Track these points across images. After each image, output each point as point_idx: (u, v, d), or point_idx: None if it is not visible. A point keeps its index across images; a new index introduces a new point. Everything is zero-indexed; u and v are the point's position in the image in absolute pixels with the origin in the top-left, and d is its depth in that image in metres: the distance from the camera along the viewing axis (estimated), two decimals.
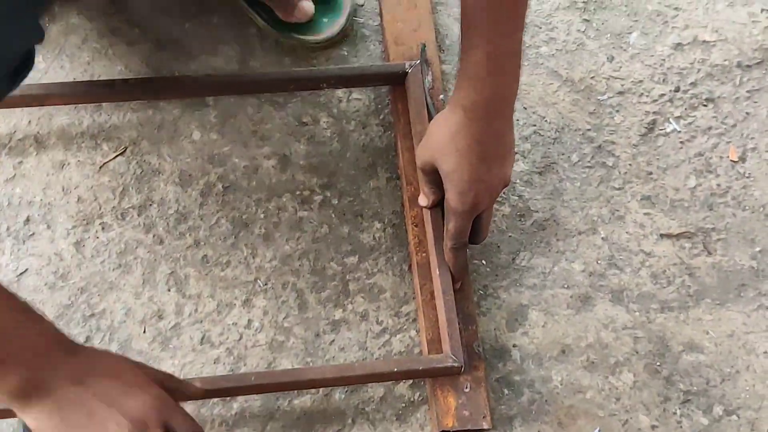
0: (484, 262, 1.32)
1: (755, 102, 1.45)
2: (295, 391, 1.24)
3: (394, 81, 1.38)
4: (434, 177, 1.21)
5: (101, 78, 1.40)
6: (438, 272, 1.24)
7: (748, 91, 1.46)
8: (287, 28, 1.43)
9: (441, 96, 1.36)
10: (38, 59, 1.39)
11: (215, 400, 1.22)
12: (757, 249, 1.36)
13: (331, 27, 1.43)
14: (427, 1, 1.45)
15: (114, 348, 1.24)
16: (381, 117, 1.41)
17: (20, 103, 1.33)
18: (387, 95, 1.42)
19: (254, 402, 1.23)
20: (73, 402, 0.93)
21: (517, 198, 1.36)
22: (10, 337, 0.91)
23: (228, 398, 1.22)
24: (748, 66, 1.47)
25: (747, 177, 1.40)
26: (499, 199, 1.32)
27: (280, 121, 1.40)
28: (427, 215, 1.28)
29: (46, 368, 0.93)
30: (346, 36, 1.46)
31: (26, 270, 1.28)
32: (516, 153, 1.35)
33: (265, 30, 1.44)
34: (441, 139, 1.16)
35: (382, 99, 1.42)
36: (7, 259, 1.28)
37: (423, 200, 1.26)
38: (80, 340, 1.24)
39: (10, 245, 1.29)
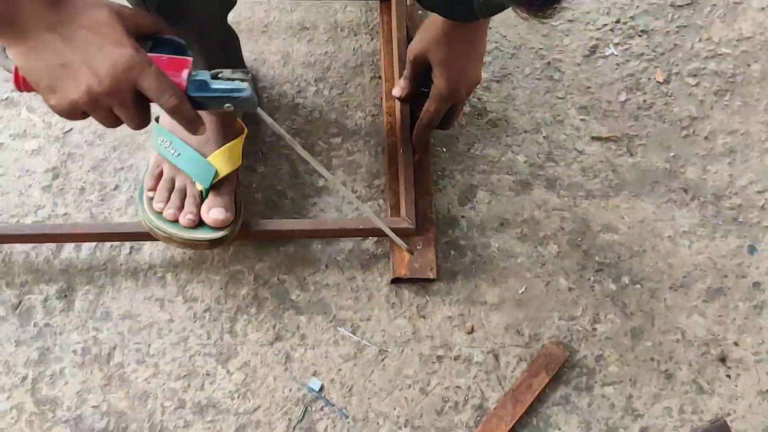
0: (444, 149, 1.37)
1: (682, 36, 1.48)
2: (280, 240, 1.29)
3: None
4: (418, 70, 1.25)
5: None
6: (402, 152, 1.29)
7: (677, 27, 1.48)
8: None
9: (420, 12, 1.41)
10: None
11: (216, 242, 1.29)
12: (671, 154, 1.39)
13: None
14: None
15: (137, 195, 1.29)
16: (370, 27, 1.45)
17: None
18: (375, 9, 1.45)
19: (247, 246, 1.29)
20: (47, 49, 0.84)
21: (476, 100, 1.40)
22: None
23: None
24: (680, 6, 1.49)
25: (669, 96, 1.43)
26: None
27: (285, 24, 1.43)
28: (398, 107, 1.33)
29: (21, 10, 0.82)
30: None
31: (71, 129, 1.34)
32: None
33: None
34: (434, 36, 1.20)
35: (371, 13, 1.46)
36: (56, 119, 1.34)
37: (397, 91, 1.29)
38: (111, 188, 1.32)
39: None
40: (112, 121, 0.91)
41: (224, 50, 1.23)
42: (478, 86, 1.30)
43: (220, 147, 1.20)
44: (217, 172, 1.19)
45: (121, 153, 1.33)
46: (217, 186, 1.20)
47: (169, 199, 1.20)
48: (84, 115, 0.90)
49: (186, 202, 1.20)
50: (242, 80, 0.94)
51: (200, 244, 1.19)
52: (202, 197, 1.20)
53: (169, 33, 0.93)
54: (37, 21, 0.83)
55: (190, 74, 0.91)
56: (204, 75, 0.93)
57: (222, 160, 1.20)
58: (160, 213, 1.20)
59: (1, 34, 0.84)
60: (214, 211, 1.19)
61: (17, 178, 1.30)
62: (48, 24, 0.84)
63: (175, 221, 1.19)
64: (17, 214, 1.29)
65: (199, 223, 1.19)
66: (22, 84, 0.89)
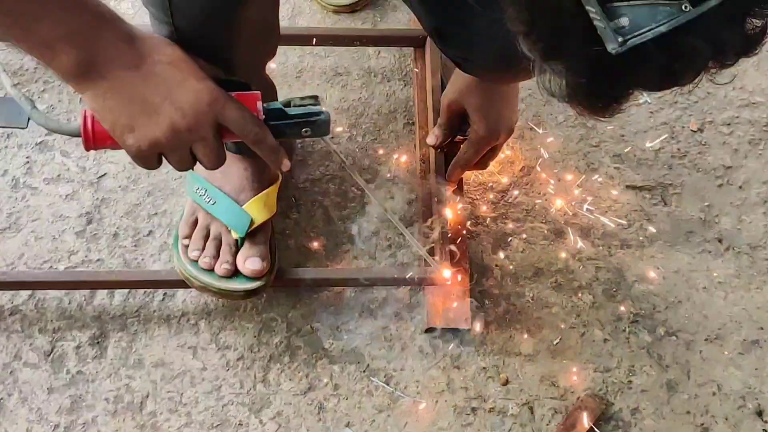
0: (477, 197, 1.36)
1: (715, 84, 1.47)
2: (313, 288, 1.28)
3: (416, 43, 1.41)
4: (453, 118, 1.26)
5: None
6: (435, 200, 1.29)
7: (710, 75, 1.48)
8: None
9: None
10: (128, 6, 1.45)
11: None
12: (706, 204, 1.38)
13: None
14: None
15: (170, 241, 1.28)
16: (403, 74, 1.44)
17: None
18: (409, 56, 1.44)
19: (280, 294, 1.27)
20: (127, 87, 0.82)
21: (509, 147, 1.40)
22: (62, 18, 0.79)
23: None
24: None
25: (703, 145, 1.42)
26: None
27: (319, 70, 1.43)
28: (432, 155, 1.31)
29: (99, 51, 0.81)
30: (368, 4, 1.47)
31: (105, 174, 1.33)
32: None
33: None
34: (469, 83, 1.21)
35: (404, 59, 1.45)
36: (90, 163, 1.33)
37: (431, 140, 1.29)
38: (144, 233, 1.31)
39: (93, 155, 1.34)
40: (188, 161, 0.88)
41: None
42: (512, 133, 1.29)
43: (255, 194, 1.19)
44: (252, 220, 1.18)
45: (155, 198, 1.32)
46: (252, 234, 1.19)
47: (204, 247, 1.19)
48: (159, 160, 0.88)
49: (221, 251, 1.19)
50: (314, 104, 0.93)
51: (235, 295, 1.18)
52: (237, 246, 1.18)
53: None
54: (115, 61, 0.82)
55: (263, 106, 0.90)
56: (277, 104, 0.92)
57: (257, 208, 1.19)
58: (196, 261, 1.19)
59: (79, 81, 0.82)
60: (250, 261, 1.18)
61: (51, 223, 1.29)
62: (125, 62, 0.82)
63: (211, 270, 1.18)
64: (50, 260, 1.27)
65: (235, 272, 1.18)
66: (92, 138, 0.86)
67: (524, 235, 1.34)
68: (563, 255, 1.33)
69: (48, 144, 1.34)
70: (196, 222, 1.21)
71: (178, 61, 0.85)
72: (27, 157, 1.33)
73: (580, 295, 1.31)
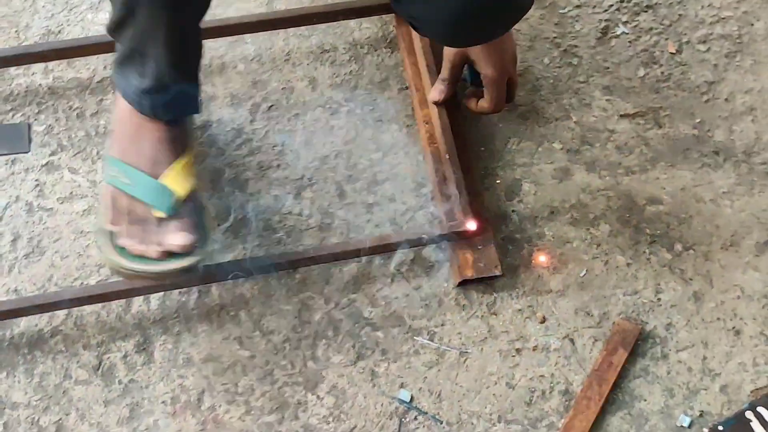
0: (483, 148, 1.38)
1: (685, 6, 1.50)
2: (343, 261, 1.29)
3: None
4: (455, 68, 1.27)
5: None
6: (447, 157, 1.31)
7: None
8: None
9: None
10: (104, 15, 1.44)
11: (281, 272, 1.28)
12: (697, 120, 1.42)
13: None
14: None
15: None
16: (387, 41, 1.45)
17: (96, 51, 1.37)
18: (391, 22, 1.46)
19: (312, 272, 1.29)
20: None
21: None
22: None
23: (292, 270, 1.28)
24: None
25: (684, 65, 1.46)
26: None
27: (306, 50, 1.44)
28: (434, 114, 1.34)
29: None
30: None
31: None
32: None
33: None
34: None
35: (387, 26, 1.46)
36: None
37: (435, 95, 1.31)
38: None
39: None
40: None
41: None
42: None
43: (170, 165, 1.13)
44: (173, 193, 1.12)
45: None
46: (178, 209, 1.13)
47: (132, 233, 1.13)
48: None
49: (148, 233, 1.12)
50: None
51: (171, 275, 1.12)
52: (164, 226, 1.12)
53: None
54: None
55: None
56: None
57: (176, 180, 1.12)
58: (123, 249, 1.12)
59: None
60: (177, 236, 1.11)
61: (73, 241, 1.29)
62: None
63: (142, 256, 1.11)
64: (80, 276, 1.27)
65: (170, 252, 1.11)
66: None
67: (533, 178, 1.37)
68: (573, 191, 1.36)
69: (54, 164, 1.33)
70: (119, 209, 1.14)
71: None
72: (36, 180, 1.32)
73: (597, 226, 1.34)
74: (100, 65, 1.40)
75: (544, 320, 1.28)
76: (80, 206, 1.31)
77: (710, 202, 1.36)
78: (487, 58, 1.23)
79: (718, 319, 1.29)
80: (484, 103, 1.29)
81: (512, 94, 1.32)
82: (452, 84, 1.30)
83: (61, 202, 1.31)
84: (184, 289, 1.26)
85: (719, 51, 1.47)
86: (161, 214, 1.12)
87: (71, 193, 1.32)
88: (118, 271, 1.13)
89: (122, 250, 1.11)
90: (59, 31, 1.42)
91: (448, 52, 1.27)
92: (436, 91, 1.31)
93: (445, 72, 1.30)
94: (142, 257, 1.11)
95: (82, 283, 1.27)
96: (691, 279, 1.31)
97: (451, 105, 1.34)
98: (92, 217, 1.30)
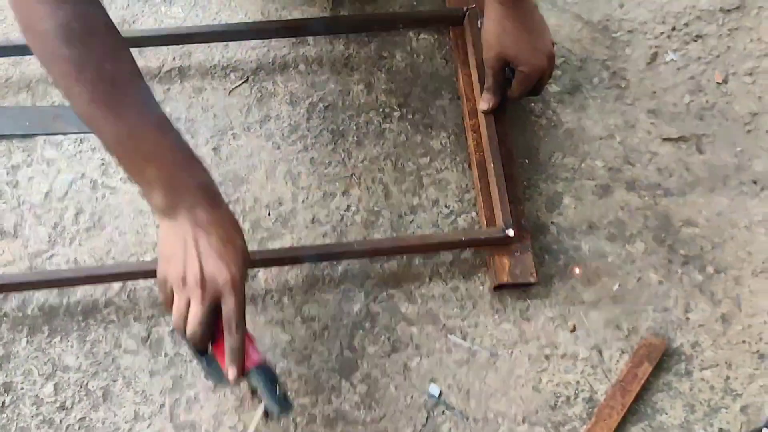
0: (527, 160, 1.43)
1: (734, 38, 1.54)
2: (385, 258, 1.35)
3: (454, 22, 1.47)
4: (499, 75, 1.33)
5: (228, 22, 1.50)
6: (492, 166, 1.35)
7: (728, 30, 1.55)
8: None
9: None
10: (178, 9, 1.51)
11: (325, 263, 1.33)
12: (738, 149, 1.45)
13: None
14: None
15: (246, 227, 1.36)
16: (443, 52, 1.50)
17: (167, 42, 1.45)
18: (447, 35, 1.51)
19: (354, 265, 1.34)
20: (185, 235, 1.04)
21: (551, 112, 1.46)
22: (167, 173, 1.03)
23: (335, 261, 1.33)
24: (729, 10, 1.56)
25: (729, 95, 1.49)
26: (537, 113, 1.45)
27: (365, 55, 1.49)
28: (482, 123, 1.39)
29: (182, 206, 1.04)
30: None
31: None
32: (550, 78, 1.47)
33: None
34: (497, 28, 1.29)
35: (443, 38, 1.51)
36: None
37: (484, 105, 1.36)
38: None
39: None
40: (181, 311, 1.05)
41: None
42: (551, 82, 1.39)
43: None
44: None
45: (226, 188, 1.38)
46: None
47: None
48: (170, 299, 1.07)
49: None
50: (284, 405, 1.09)
51: None
52: None
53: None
54: (188, 216, 1.04)
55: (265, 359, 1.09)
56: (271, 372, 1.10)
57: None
58: None
59: (160, 216, 1.06)
60: None
61: (132, 219, 1.36)
62: (197, 223, 1.04)
63: None
64: (136, 253, 1.34)
65: None
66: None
67: (574, 193, 1.41)
68: (612, 208, 1.40)
69: None
70: None
71: (230, 240, 1.06)
72: (102, 159, 1.39)
73: (632, 243, 1.38)
74: (170, 56, 1.47)
75: (574, 329, 1.32)
76: None
77: (745, 228, 1.40)
78: (524, 57, 1.29)
79: (744, 341, 1.32)
80: (511, 93, 1.36)
81: (539, 90, 1.37)
82: (498, 91, 1.36)
83: (124, 182, 1.38)
84: None
85: (765, 84, 1.50)
86: None
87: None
88: None
89: None
90: (134, 21, 1.50)
91: (489, 60, 1.33)
92: (484, 102, 1.36)
93: (489, 80, 1.35)
94: None
95: (138, 258, 1.33)
96: (720, 301, 1.35)
97: (499, 116, 1.39)
98: None
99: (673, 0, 1.57)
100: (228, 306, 1.04)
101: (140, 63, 1.39)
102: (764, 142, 1.46)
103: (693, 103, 1.48)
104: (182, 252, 1.04)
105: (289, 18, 1.50)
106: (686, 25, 1.55)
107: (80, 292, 1.31)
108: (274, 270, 1.33)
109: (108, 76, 1.01)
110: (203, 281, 1.03)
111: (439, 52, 1.51)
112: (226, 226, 1.08)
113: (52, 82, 1.07)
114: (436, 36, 1.52)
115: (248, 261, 1.09)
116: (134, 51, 1.40)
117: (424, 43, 1.51)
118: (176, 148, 1.06)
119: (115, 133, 1.01)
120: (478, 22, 1.44)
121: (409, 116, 1.45)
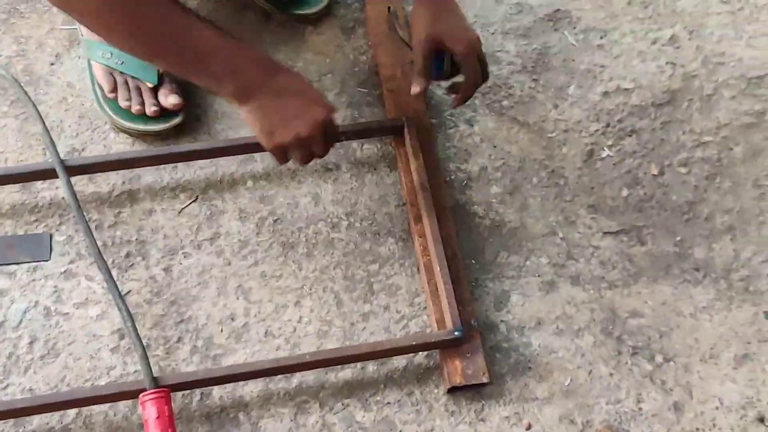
0: (473, 261, 1.45)
1: (667, 131, 1.59)
2: (339, 367, 1.34)
3: (395, 131, 1.51)
4: (428, 58, 1.36)
5: (175, 144, 1.52)
6: (439, 269, 1.37)
7: (661, 123, 1.59)
8: (286, 7, 1.65)
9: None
10: (125, 135, 1.54)
11: (279, 376, 1.33)
12: (678, 238, 1.48)
13: (320, 2, 1.66)
14: None
15: (199, 344, 1.36)
16: (387, 160, 1.54)
17: (116, 167, 1.47)
18: (389, 143, 1.55)
19: (309, 376, 1.34)
20: (269, 108, 1.18)
21: (494, 213, 1.48)
22: (227, 56, 1.14)
23: (289, 374, 1.33)
24: (660, 104, 1.61)
25: (666, 186, 1.53)
26: (481, 214, 1.48)
27: (311, 168, 1.52)
28: (428, 227, 1.40)
29: (252, 82, 1.16)
30: (331, 8, 1.69)
31: (129, 291, 1.40)
32: (490, 180, 1.50)
33: (270, 10, 1.67)
34: (425, 16, 1.35)
35: (386, 147, 1.55)
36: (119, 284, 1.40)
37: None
38: (174, 340, 1.37)
39: (116, 274, 1.40)
40: (307, 158, 1.25)
41: None
42: None
43: None
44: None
45: (179, 307, 1.39)
46: (161, 78, 1.49)
47: (130, 98, 1.49)
48: (286, 157, 1.25)
49: (145, 96, 1.49)
50: None
51: (164, 132, 1.51)
52: (155, 92, 1.49)
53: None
54: (263, 88, 1.17)
55: None
56: None
57: None
58: (126, 110, 1.49)
59: (237, 101, 1.18)
60: (171, 98, 1.49)
61: (86, 344, 1.35)
62: (270, 90, 1.17)
63: (139, 115, 1.49)
64: (91, 378, 1.33)
65: (161, 112, 1.49)
66: None
67: (521, 290, 1.43)
68: (559, 303, 1.42)
69: (72, 272, 1.41)
70: (114, 80, 1.50)
71: (305, 91, 1.21)
72: (54, 287, 1.40)
73: (581, 337, 1.39)
74: (119, 180, 1.49)
75: (529, 427, 1.32)
76: (95, 311, 1.38)
77: (690, 316, 1.41)
78: (454, 38, 1.33)
79: (698, 429, 1.33)
80: (464, 86, 1.38)
81: (486, 72, 1.40)
82: (427, 76, 1.38)
83: (77, 308, 1.38)
84: (187, 390, 1.31)
85: (700, 173, 1.54)
86: (151, 84, 1.48)
87: (86, 299, 1.39)
88: (123, 129, 1.50)
89: (124, 112, 1.49)
90: (83, 149, 1.52)
91: (419, 42, 1.35)
92: (415, 87, 1.38)
93: (418, 65, 1.37)
94: (142, 117, 1.49)
95: (92, 383, 1.33)
96: (671, 390, 1.35)
97: (443, 221, 1.42)
98: (105, 321, 1.37)
99: (605, 98, 1.61)
100: (331, 134, 1.26)
101: (91, 189, 1.43)
102: (703, 230, 1.49)
103: (631, 196, 1.52)
104: (281, 119, 1.19)
105: (237, 137, 1.52)
106: (620, 121, 1.59)
107: (36, 421, 1.30)
108: (229, 386, 1.32)
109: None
110: (311, 131, 1.20)
111: (382, 160, 1.54)
112: (295, 80, 1.21)
113: (95, 26, 1.13)
114: (379, 145, 1.55)
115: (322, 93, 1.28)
116: (84, 178, 1.43)
117: (367, 153, 1.55)
118: (228, 38, 1.15)
119: (174, 47, 1.12)
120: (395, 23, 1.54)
121: (357, 225, 1.48)
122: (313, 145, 1.23)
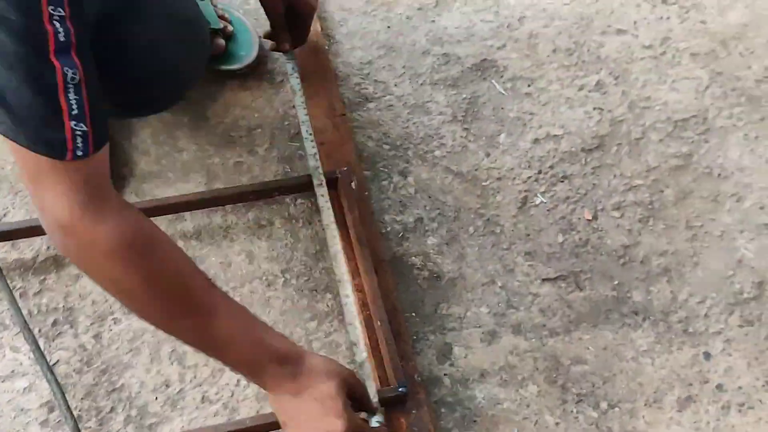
0: (414, 314, 1.42)
1: (598, 176, 1.60)
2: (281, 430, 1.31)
3: (329, 185, 1.47)
4: (281, 18, 1.49)
5: None
6: (379, 324, 1.34)
7: (592, 168, 1.60)
8: (212, 62, 1.60)
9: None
10: None
11: None
12: (616, 282, 1.48)
13: (248, 58, 1.63)
14: (346, 127, 1.58)
15: (133, 414, 1.30)
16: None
17: (39, 233, 1.41)
18: (324, 195, 1.51)
19: None
20: (286, 405, 1.13)
21: (432, 264, 1.47)
22: (247, 354, 1.09)
23: None
24: (590, 150, 1.62)
25: (600, 231, 1.53)
26: (419, 265, 1.45)
27: (244, 225, 1.49)
28: (366, 282, 1.37)
29: (273, 381, 1.11)
30: (259, 64, 1.66)
31: (58, 361, 1.34)
32: (426, 230, 1.48)
33: None
34: None
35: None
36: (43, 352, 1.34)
37: (286, 45, 1.52)
38: (106, 410, 1.31)
39: (43, 344, 1.34)
40: None
41: None
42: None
43: None
44: None
45: (110, 375, 1.33)
46: None
47: None
48: None
49: None
50: None
51: None
52: None
53: None
54: (282, 388, 1.12)
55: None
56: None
57: None
58: None
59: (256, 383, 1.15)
60: None
61: (13, 419, 1.29)
62: (289, 390, 1.12)
63: None
64: None
65: None
66: None
67: (463, 342, 1.40)
68: (502, 353, 1.40)
69: None
70: None
71: (326, 399, 1.11)
72: None
73: (525, 387, 1.37)
74: (44, 246, 1.43)
75: None
76: (21, 384, 1.32)
77: (632, 360, 1.41)
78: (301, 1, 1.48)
79: None
80: (295, 39, 1.53)
81: (307, 31, 1.56)
82: (284, 29, 1.51)
83: (2, 381, 1.32)
84: None
85: (633, 216, 1.55)
86: None
87: (12, 371, 1.33)
88: None
89: None
90: (5, 214, 1.46)
91: (273, 9, 1.48)
92: (285, 44, 1.52)
93: (274, 23, 1.50)
94: None
95: None
96: None
97: (382, 275, 1.39)
98: (33, 394, 1.30)
99: (536, 145, 1.62)
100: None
101: (14, 255, 1.37)
102: (639, 273, 1.49)
103: (567, 241, 1.51)
104: (296, 423, 1.14)
105: (163, 196, 1.48)
106: (551, 167, 1.59)
107: None
108: None
109: (182, 284, 1.05)
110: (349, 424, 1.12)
111: (317, 214, 1.51)
112: (318, 382, 1.12)
113: (120, 299, 1.07)
114: (312, 200, 1.52)
115: (353, 374, 1.19)
116: (7, 244, 1.37)
117: (301, 208, 1.52)
118: (251, 326, 1.12)
119: (206, 338, 1.08)
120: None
121: (293, 282, 1.44)
122: None
